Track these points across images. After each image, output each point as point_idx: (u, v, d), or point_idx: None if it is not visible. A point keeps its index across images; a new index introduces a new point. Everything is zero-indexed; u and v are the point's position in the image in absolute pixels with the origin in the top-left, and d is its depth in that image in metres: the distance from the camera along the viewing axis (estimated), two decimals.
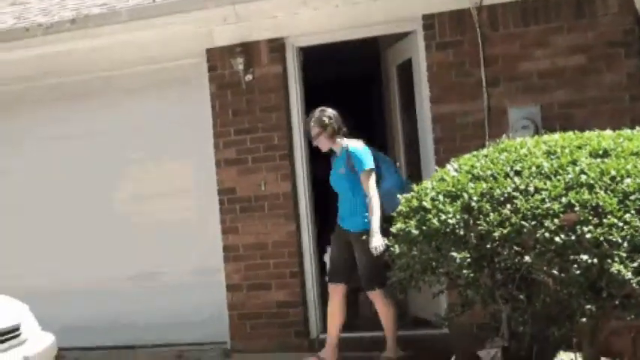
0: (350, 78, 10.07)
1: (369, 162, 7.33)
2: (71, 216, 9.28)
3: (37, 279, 9.12)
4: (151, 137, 9.00)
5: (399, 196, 6.01)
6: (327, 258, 7.94)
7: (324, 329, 8.36)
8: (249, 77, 8.42)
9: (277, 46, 8.42)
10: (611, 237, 4.98)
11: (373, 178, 7.30)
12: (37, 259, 9.34)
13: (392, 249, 5.82)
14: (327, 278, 7.71)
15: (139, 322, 8.87)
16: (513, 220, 5.20)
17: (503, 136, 6.34)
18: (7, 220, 9.48)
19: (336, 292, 7.52)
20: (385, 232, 6.51)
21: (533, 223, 5.14)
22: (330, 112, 7.50)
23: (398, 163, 9.00)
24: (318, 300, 8.41)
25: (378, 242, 6.98)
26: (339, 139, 7.49)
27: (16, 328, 6.19)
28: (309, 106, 8.60)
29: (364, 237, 7.13)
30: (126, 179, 9.21)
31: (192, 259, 8.80)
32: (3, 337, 5.97)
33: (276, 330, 8.33)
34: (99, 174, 9.20)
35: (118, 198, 9.24)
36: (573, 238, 5.03)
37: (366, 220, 7.22)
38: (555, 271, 5.19)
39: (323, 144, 7.53)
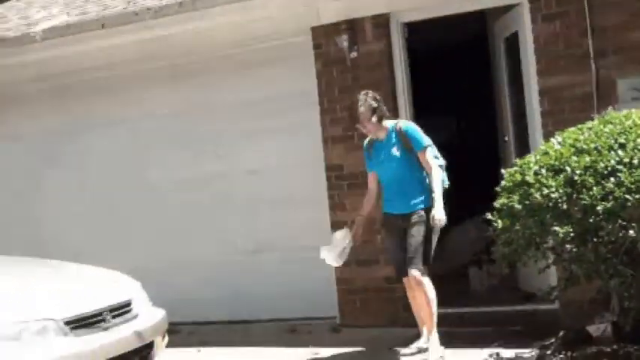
0: (456, 53, 9.98)
1: (426, 138, 7.17)
2: (184, 191, 9.49)
3: (148, 256, 9.38)
4: (259, 115, 9.09)
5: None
6: (324, 254, 7.46)
7: None
8: (354, 54, 8.44)
9: (381, 22, 8.41)
10: None
11: (432, 153, 7.16)
12: (150, 238, 9.62)
13: (495, 224, 5.80)
14: (395, 274, 7.54)
15: (251, 297, 9.00)
16: (617, 193, 5.14)
17: (609, 108, 6.23)
18: (118, 199, 9.82)
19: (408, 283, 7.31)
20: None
21: (637, 196, 5.07)
22: (374, 94, 7.28)
23: (506, 137, 8.92)
24: None
25: (442, 214, 6.89)
26: (384, 122, 7.26)
27: (127, 304, 6.37)
28: (414, 81, 8.63)
29: (421, 214, 7.03)
30: (237, 155, 9.32)
31: (301, 235, 8.88)
32: (115, 313, 6.14)
33: (384, 305, 8.37)
34: (210, 149, 9.38)
35: (229, 173, 9.35)
36: None
37: (422, 198, 7.09)
38: None
39: (371, 128, 7.23)
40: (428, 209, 7.01)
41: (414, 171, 7.14)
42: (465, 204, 8.98)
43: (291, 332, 8.59)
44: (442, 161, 7.21)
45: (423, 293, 7.14)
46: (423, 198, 7.09)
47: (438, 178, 7.00)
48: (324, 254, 7.42)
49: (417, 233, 7.07)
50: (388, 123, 7.28)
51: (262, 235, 9.12)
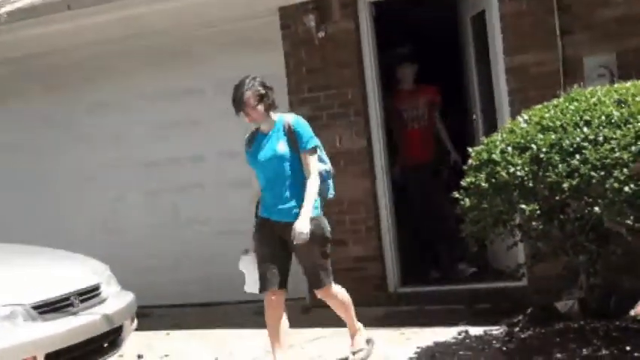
0: (426, 32, 9.97)
1: (315, 138, 6.31)
2: (155, 174, 9.48)
3: (118, 241, 9.39)
4: (226, 96, 9.04)
5: None
6: (243, 266, 6.69)
7: (402, 283, 8.45)
8: (321, 34, 8.41)
9: (349, 2, 8.38)
10: None
11: (316, 159, 6.27)
12: (118, 222, 9.64)
13: (462, 202, 5.82)
14: (257, 289, 6.60)
15: (221, 279, 8.96)
16: (582, 170, 5.17)
17: (575, 85, 6.25)
18: (88, 184, 9.83)
19: (274, 302, 6.50)
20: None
21: (603, 173, 5.09)
22: (263, 80, 6.36)
23: (475, 116, 8.94)
24: (395, 254, 8.45)
25: (303, 227, 6.03)
26: (272, 113, 6.36)
27: (96, 288, 6.36)
28: (385, 61, 8.62)
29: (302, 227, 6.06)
30: (207, 137, 9.28)
31: None
32: (83, 297, 6.13)
33: (355, 285, 8.28)
34: (181, 131, 9.36)
35: (197, 156, 9.34)
36: None
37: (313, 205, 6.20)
38: (629, 222, 5.14)
39: (256, 116, 6.26)
40: (313, 219, 6.14)
41: (298, 173, 6.23)
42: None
43: (261, 314, 8.57)
44: (329, 166, 6.46)
45: (339, 303, 6.71)
46: (314, 205, 6.20)
47: (313, 186, 6.13)
48: (248, 287, 6.73)
49: (308, 252, 6.26)
50: (276, 115, 6.39)
51: (232, 217, 9.08)
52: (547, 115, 5.65)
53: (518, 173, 5.39)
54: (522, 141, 5.53)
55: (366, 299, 8.22)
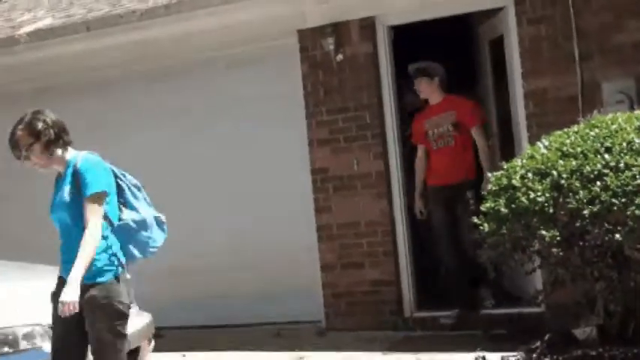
0: (442, 55, 9.98)
1: (101, 183, 5.04)
2: (169, 192, 9.44)
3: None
4: (244, 116, 9.07)
5: None
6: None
7: (418, 308, 8.41)
8: (339, 57, 8.44)
9: (367, 25, 8.42)
10: None
11: (101, 208, 5.01)
12: None
13: (481, 227, 5.80)
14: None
15: (236, 301, 8.97)
16: (603, 197, 5.15)
17: (595, 111, 6.24)
18: None
19: None
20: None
21: (624, 200, 5.09)
22: (50, 115, 5.20)
23: (491, 141, 8.91)
24: (411, 279, 8.42)
25: (67, 295, 4.80)
26: (60, 152, 5.14)
27: None
28: (400, 84, 8.63)
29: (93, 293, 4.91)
30: (223, 156, 9.28)
31: (286, 237, 8.86)
32: None
33: (370, 308, 8.37)
34: (196, 150, 9.33)
35: (214, 174, 9.32)
36: None
37: (97, 267, 4.95)
38: None
39: (37, 160, 5.13)
40: (97, 285, 4.93)
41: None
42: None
43: (276, 336, 8.56)
44: (147, 215, 5.31)
45: None
46: (99, 266, 4.95)
47: (87, 244, 4.86)
48: None
49: (91, 325, 4.96)
50: (70, 155, 5.20)
51: (248, 239, 9.08)
52: (567, 141, 5.64)
53: (539, 199, 5.38)
54: (543, 167, 5.52)
55: (381, 323, 8.25)
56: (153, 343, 6.72)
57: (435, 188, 8.34)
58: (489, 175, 7.76)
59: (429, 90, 8.40)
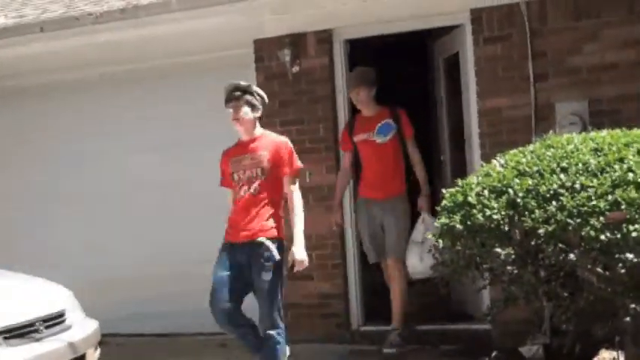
0: (397, 71, 10.03)
1: None
2: (115, 202, 9.39)
3: (81, 268, 9.21)
4: (198, 125, 9.02)
5: None
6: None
7: (366, 321, 8.41)
8: (295, 69, 8.44)
9: (324, 38, 8.43)
10: None
11: None
12: (82, 249, 9.51)
13: (436, 243, 5.82)
14: None
15: (182, 311, 8.90)
16: (559, 217, 5.18)
17: (550, 131, 6.30)
18: (51, 209, 9.71)
19: None
20: None
21: (579, 220, 5.11)
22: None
23: (442, 157, 8.97)
24: (359, 292, 8.43)
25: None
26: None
27: (61, 314, 6.28)
28: None
29: None
30: (174, 166, 9.24)
31: None
32: (48, 323, 6.04)
33: (318, 321, 8.35)
34: (146, 159, 9.28)
35: (163, 185, 9.27)
36: (619, 236, 5.00)
37: None
38: (600, 269, 5.17)
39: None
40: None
41: None
42: None
43: (221, 346, 8.50)
44: None
45: None
46: None
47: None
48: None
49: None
50: None
51: (197, 249, 8.99)
52: (524, 160, 5.66)
53: (494, 217, 5.39)
54: (499, 185, 5.53)
55: (328, 336, 8.25)
56: (99, 350, 6.65)
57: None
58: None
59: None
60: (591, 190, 5.17)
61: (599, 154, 5.46)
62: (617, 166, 5.25)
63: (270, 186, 6.46)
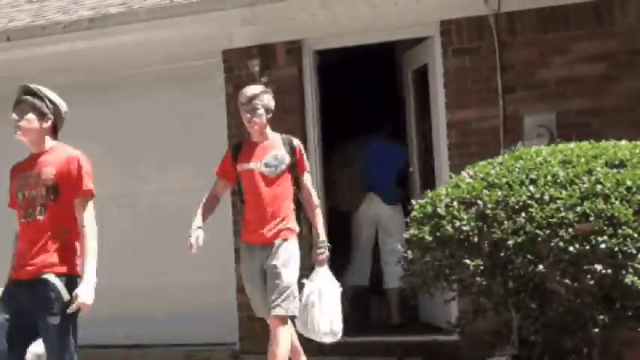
0: (366, 82, 10.05)
1: None
2: None
3: None
4: (164, 136, 8.99)
5: None
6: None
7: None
8: (264, 79, 8.39)
9: (294, 49, 8.42)
10: (625, 248, 5.00)
11: None
12: None
13: (405, 255, 5.82)
14: None
15: (149, 321, 8.84)
16: (528, 228, 5.21)
17: (519, 143, 6.33)
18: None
19: None
20: None
21: (548, 232, 5.15)
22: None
23: (411, 168, 8.98)
24: None
25: None
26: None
27: None
28: (325, 109, 8.62)
29: None
30: (143, 177, 9.22)
31: (203, 259, 8.74)
32: None
33: None
34: (115, 170, 9.20)
35: (133, 195, 9.24)
36: (588, 248, 5.04)
37: None
38: (568, 281, 5.21)
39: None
40: None
41: None
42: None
43: (187, 358, 8.46)
44: None
45: None
46: None
47: None
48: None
49: None
50: None
51: (161, 260, 8.96)
52: (493, 171, 5.69)
53: (464, 228, 5.41)
54: (468, 196, 5.55)
55: None
56: None
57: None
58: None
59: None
60: (560, 202, 5.20)
61: (567, 166, 5.49)
62: (585, 178, 5.28)
63: (61, 210, 5.33)
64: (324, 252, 6.61)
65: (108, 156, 9.16)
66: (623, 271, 4.99)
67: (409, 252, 5.78)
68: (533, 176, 5.46)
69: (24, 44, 8.74)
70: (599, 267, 5.01)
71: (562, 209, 5.17)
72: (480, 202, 5.46)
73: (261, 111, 6.56)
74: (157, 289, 8.91)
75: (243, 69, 8.49)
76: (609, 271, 5.01)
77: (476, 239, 5.39)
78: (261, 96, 6.58)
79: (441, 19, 7.93)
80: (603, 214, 5.07)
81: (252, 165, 6.59)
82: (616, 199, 5.13)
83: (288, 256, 6.46)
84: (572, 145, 5.86)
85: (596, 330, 5.27)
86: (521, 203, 5.32)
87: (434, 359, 7.49)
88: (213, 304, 8.62)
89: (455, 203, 5.59)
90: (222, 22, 8.37)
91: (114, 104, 9.19)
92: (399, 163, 9.00)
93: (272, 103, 6.67)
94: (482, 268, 5.36)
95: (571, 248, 5.05)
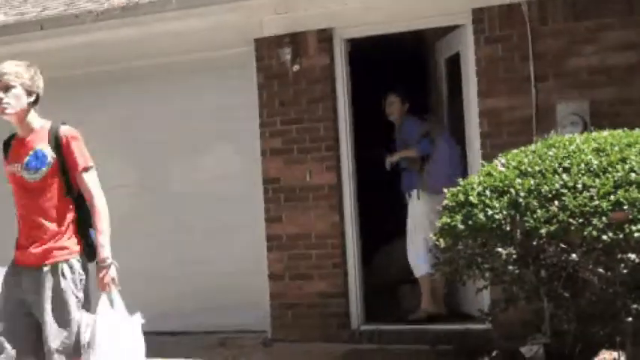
0: (398, 69, 10.02)
1: None
2: (117, 202, 9.34)
3: None
4: (196, 125, 9.02)
5: None
6: None
7: (365, 321, 8.40)
8: (296, 68, 8.42)
9: (325, 37, 8.41)
10: None
11: None
12: None
13: (437, 243, 5.82)
14: None
15: (181, 309, 8.89)
16: (561, 217, 5.19)
17: (552, 132, 6.30)
18: None
19: None
20: None
21: (581, 220, 5.13)
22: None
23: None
24: (359, 292, 8.41)
25: None
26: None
27: None
28: (356, 97, 8.63)
29: None
30: (173, 165, 9.26)
31: (235, 247, 8.81)
32: None
33: (317, 320, 8.34)
34: (147, 159, 9.27)
35: (164, 184, 9.28)
36: (621, 236, 5.02)
37: None
38: (601, 270, 5.18)
39: None
40: None
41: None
42: (395, 222, 8.97)
43: (220, 345, 8.50)
44: None
45: None
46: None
47: None
48: None
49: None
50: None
51: (196, 247, 9.00)
52: (525, 160, 5.68)
53: (496, 216, 5.40)
54: (500, 185, 5.54)
55: (328, 336, 8.23)
56: None
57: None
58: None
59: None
60: (593, 190, 5.19)
61: (601, 154, 5.47)
62: (619, 166, 5.26)
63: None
64: (105, 273, 5.15)
65: (142, 144, 9.24)
66: None
67: (441, 240, 5.76)
68: (566, 164, 5.45)
69: (56, 33, 8.77)
70: (632, 256, 4.99)
71: (595, 197, 5.16)
72: (512, 190, 5.45)
73: (18, 91, 4.96)
74: (189, 277, 8.94)
75: (275, 58, 8.50)
76: None
77: (508, 227, 5.38)
78: (17, 72, 4.97)
79: (473, 7, 7.90)
80: (637, 203, 5.04)
81: (14, 167, 5.07)
82: None
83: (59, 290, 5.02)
84: (605, 133, 5.83)
85: (629, 319, 5.24)
86: (554, 192, 5.31)
87: (466, 348, 7.45)
88: (245, 291, 8.65)
89: (487, 192, 5.59)
90: (254, 10, 8.40)
91: (147, 93, 9.22)
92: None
93: (37, 83, 5.07)
94: (514, 256, 5.36)
95: (604, 237, 5.03)
